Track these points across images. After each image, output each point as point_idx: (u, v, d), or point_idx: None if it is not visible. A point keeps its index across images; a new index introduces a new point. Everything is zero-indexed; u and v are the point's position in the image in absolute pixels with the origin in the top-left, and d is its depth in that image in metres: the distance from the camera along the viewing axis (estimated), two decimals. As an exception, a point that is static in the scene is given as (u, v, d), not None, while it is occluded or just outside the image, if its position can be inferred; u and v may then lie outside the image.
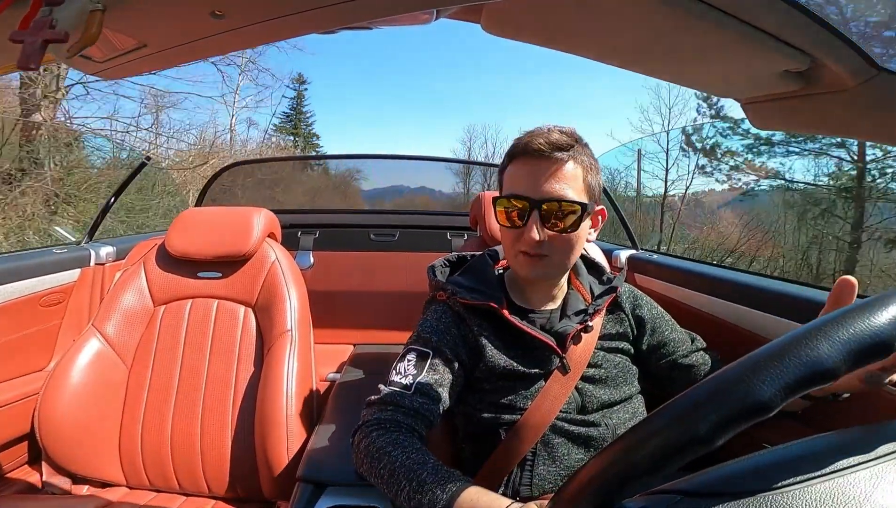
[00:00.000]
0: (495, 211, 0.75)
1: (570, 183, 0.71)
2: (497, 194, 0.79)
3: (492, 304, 0.75)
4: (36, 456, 1.14)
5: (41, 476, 1.09)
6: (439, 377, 0.71)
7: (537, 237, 0.70)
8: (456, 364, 0.73)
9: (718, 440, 0.28)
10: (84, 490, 1.08)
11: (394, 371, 0.72)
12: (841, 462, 0.31)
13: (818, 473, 0.30)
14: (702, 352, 0.84)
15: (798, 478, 0.30)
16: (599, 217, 0.79)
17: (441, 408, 0.69)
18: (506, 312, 0.75)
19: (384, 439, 0.62)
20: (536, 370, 0.75)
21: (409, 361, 0.72)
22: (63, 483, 1.08)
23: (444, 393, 0.70)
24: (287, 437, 0.99)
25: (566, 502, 0.33)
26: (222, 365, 1.11)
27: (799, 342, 0.30)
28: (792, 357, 0.29)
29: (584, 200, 0.72)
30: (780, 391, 0.28)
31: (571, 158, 0.72)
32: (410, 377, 0.70)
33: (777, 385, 0.28)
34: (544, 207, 0.70)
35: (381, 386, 0.71)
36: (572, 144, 0.72)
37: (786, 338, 0.31)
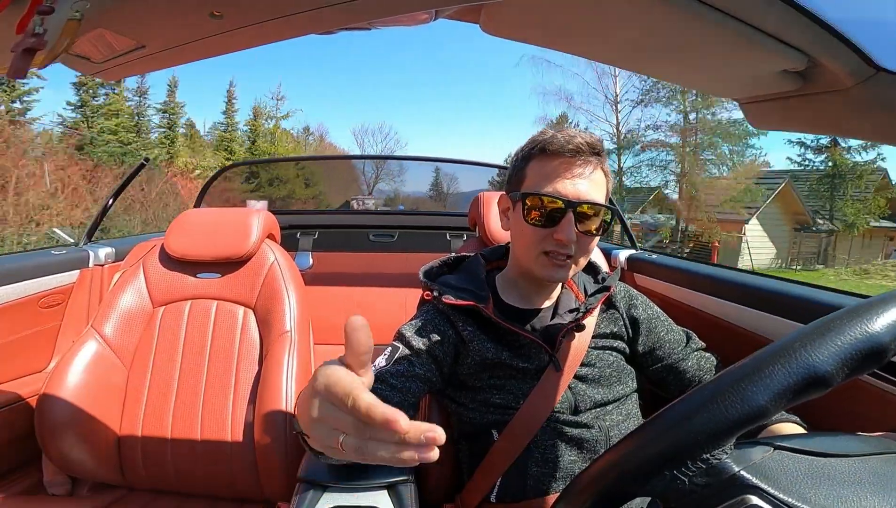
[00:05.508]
0: (524, 208, 0.72)
1: (600, 187, 0.72)
2: (500, 193, 0.79)
3: (475, 304, 0.75)
4: (36, 457, 1.14)
5: (41, 477, 1.09)
6: (402, 367, 0.72)
7: (573, 238, 0.69)
8: (425, 357, 0.74)
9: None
10: (84, 490, 1.08)
11: None
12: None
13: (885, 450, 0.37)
14: (698, 354, 0.83)
15: (867, 451, 0.36)
16: None
17: (398, 395, 0.69)
18: (490, 312, 0.75)
19: None
20: (526, 369, 0.75)
21: (383, 355, 0.75)
22: (63, 483, 1.08)
23: (406, 383, 0.71)
24: (287, 438, 0.99)
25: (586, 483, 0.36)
26: (222, 366, 1.11)
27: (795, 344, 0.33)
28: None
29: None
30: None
31: (601, 163, 0.72)
32: (376, 367, 0.72)
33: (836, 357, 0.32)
34: (579, 209, 0.69)
35: None
36: (602, 149, 0.72)
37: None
